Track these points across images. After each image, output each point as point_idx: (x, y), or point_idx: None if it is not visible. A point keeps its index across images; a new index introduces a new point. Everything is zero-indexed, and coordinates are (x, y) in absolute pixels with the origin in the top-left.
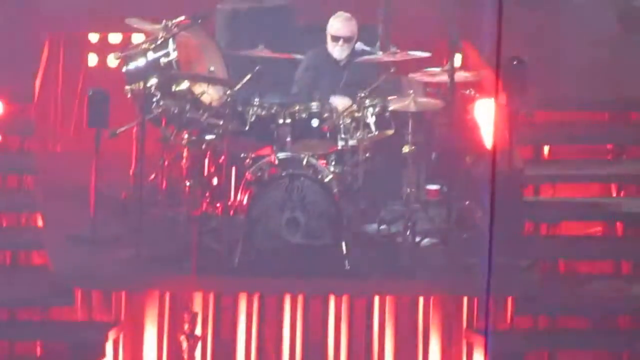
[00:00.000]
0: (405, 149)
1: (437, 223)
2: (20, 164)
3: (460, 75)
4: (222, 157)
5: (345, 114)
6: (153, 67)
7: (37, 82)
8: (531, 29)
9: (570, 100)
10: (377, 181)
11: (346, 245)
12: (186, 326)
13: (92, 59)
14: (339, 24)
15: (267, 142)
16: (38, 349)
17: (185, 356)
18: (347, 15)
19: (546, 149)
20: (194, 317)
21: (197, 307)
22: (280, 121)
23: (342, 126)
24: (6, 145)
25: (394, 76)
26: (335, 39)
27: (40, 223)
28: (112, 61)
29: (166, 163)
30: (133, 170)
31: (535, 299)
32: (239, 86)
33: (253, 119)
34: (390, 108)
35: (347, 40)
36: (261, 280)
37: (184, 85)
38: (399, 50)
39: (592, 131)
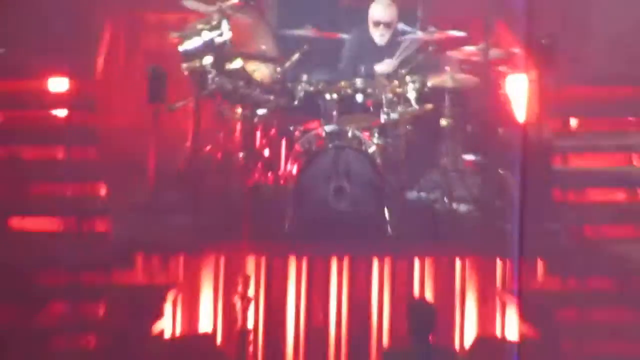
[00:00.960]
0: (443, 122)
1: (472, 191)
2: (84, 136)
3: (494, 53)
4: (273, 130)
5: (387, 89)
6: (208, 47)
7: (100, 60)
8: (560, 5)
9: (596, 75)
10: (417, 152)
11: (389, 211)
12: (240, 288)
13: (151, 38)
14: (379, 10)
15: (314, 116)
16: (101, 310)
17: (239, 316)
18: (388, 0)
19: (573, 121)
20: (246, 279)
21: (250, 270)
22: (327, 97)
23: (384, 101)
24: (70, 119)
25: (433, 54)
26: (376, 24)
27: (103, 192)
28: (170, 40)
29: (221, 136)
30: (190, 143)
31: (564, 261)
32: (288, 64)
33: (302, 94)
34: (429, 84)
35: (387, 25)
36: (309, 245)
37: (238, 63)
38: (437, 30)
39: (616, 104)
